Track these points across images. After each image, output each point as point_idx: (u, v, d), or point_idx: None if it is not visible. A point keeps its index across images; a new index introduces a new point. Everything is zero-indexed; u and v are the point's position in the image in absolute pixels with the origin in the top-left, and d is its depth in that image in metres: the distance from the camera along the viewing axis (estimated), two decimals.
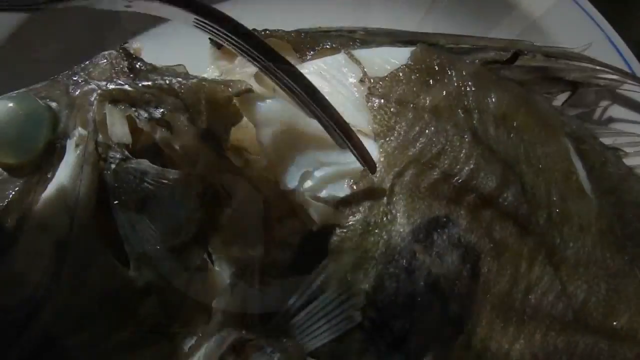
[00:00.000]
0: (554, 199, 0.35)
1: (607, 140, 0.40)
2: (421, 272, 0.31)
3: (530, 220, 0.34)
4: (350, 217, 0.31)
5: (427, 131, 0.34)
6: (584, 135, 0.39)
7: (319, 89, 0.35)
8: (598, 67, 0.41)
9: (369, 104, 0.34)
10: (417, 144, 0.33)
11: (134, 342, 0.35)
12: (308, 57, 0.37)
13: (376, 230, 0.31)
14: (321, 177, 0.32)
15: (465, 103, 0.35)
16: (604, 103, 0.42)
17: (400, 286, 0.31)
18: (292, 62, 0.37)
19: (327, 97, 0.34)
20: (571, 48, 0.41)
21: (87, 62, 0.36)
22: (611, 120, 0.42)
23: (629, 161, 0.40)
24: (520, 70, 0.40)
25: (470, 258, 0.32)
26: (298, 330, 0.32)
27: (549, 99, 0.40)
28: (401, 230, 0.31)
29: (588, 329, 0.34)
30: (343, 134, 0.32)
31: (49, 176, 0.33)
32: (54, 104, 0.35)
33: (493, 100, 0.36)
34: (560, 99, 0.41)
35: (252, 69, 0.37)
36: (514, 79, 0.39)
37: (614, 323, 0.35)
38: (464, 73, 0.36)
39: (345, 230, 0.31)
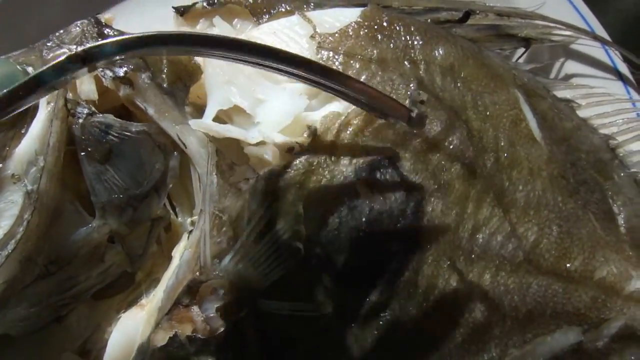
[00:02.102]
0: (502, 144, 0.34)
1: (561, 94, 0.39)
2: (363, 209, 0.31)
3: (478, 163, 0.33)
4: (296, 158, 0.31)
5: (373, 80, 0.34)
6: (536, 87, 0.38)
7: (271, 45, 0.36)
8: (551, 24, 0.40)
9: (318, 56, 0.34)
10: None
11: (102, 290, 0.36)
12: (264, 20, 0.37)
13: (319, 170, 0.31)
14: (268, 123, 0.32)
15: (412, 55, 0.35)
16: (558, 59, 0.41)
17: (342, 222, 0.30)
18: (249, 25, 0.38)
19: None
20: (524, 8, 0.41)
21: (62, 31, 0.37)
22: (565, 75, 0.41)
23: (582, 113, 0.39)
24: (472, 29, 0.39)
25: (414, 197, 0.32)
26: (247, 271, 0.32)
27: (501, 54, 0.39)
28: (344, 170, 0.31)
29: (540, 271, 0.33)
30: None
31: (22, 132, 0.35)
32: (29, 68, 0.36)
33: (440, 52, 0.36)
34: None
35: (213, 32, 0.38)
36: (466, 37, 0.39)
37: (567, 265, 0.34)
38: (412, 28, 0.36)
39: (289, 170, 0.31)
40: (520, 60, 0.40)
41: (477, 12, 0.39)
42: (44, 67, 0.26)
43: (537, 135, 0.36)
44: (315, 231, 0.30)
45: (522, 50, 0.40)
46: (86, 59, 0.26)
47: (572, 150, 0.37)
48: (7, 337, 0.34)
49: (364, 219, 0.30)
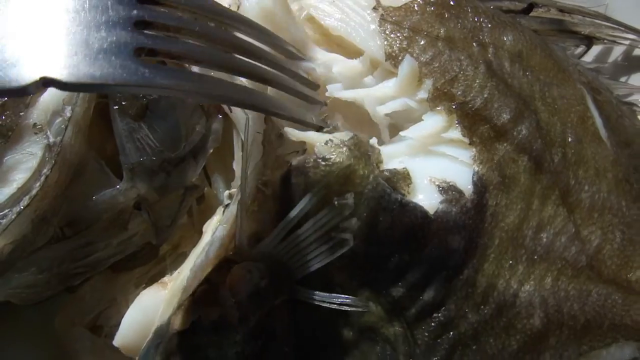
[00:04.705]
0: (569, 139, 0.30)
1: (622, 97, 0.35)
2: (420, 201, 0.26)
3: (545, 157, 0.29)
4: (342, 145, 0.26)
5: (440, 58, 0.29)
6: (600, 87, 0.34)
7: (330, 15, 0.31)
8: (614, 26, 0.36)
9: (381, 28, 0.30)
10: (430, 68, 0.29)
11: (121, 261, 0.30)
12: None
13: (368, 160, 0.26)
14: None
15: (481, 37, 0.31)
16: (620, 61, 0.37)
17: (395, 215, 0.25)
18: None
19: (339, 24, 0.31)
20: (589, 7, 0.37)
21: None
22: (628, 78, 0.37)
23: None
24: (535, 21, 0.35)
25: (476, 189, 0.27)
26: (287, 255, 0.26)
27: (564, 49, 0.35)
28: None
29: (601, 278, 0.29)
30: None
31: None
32: None
33: (509, 38, 0.31)
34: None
35: None
36: (529, 28, 0.35)
37: (629, 275, 0.29)
38: (479, 10, 0.32)
39: (333, 161, 0.26)
40: (581, 59, 0.36)
41: (540, 5, 0.35)
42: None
43: (603, 135, 0.31)
44: (366, 225, 0.25)
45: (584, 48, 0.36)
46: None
47: (635, 155, 0.33)
48: (10, 305, 0.29)
49: (419, 212, 0.26)
